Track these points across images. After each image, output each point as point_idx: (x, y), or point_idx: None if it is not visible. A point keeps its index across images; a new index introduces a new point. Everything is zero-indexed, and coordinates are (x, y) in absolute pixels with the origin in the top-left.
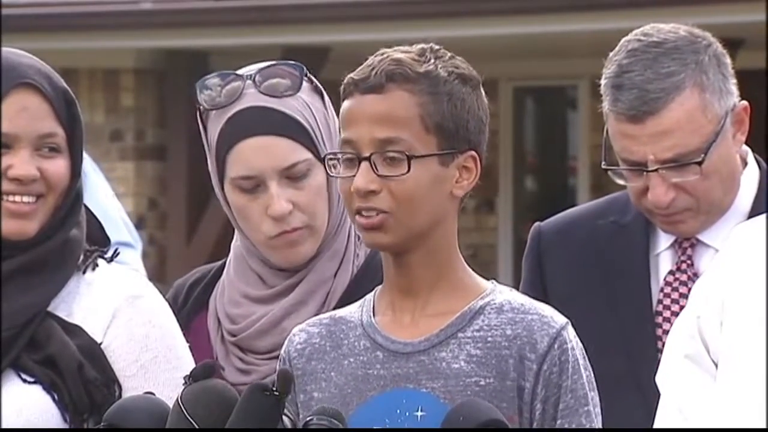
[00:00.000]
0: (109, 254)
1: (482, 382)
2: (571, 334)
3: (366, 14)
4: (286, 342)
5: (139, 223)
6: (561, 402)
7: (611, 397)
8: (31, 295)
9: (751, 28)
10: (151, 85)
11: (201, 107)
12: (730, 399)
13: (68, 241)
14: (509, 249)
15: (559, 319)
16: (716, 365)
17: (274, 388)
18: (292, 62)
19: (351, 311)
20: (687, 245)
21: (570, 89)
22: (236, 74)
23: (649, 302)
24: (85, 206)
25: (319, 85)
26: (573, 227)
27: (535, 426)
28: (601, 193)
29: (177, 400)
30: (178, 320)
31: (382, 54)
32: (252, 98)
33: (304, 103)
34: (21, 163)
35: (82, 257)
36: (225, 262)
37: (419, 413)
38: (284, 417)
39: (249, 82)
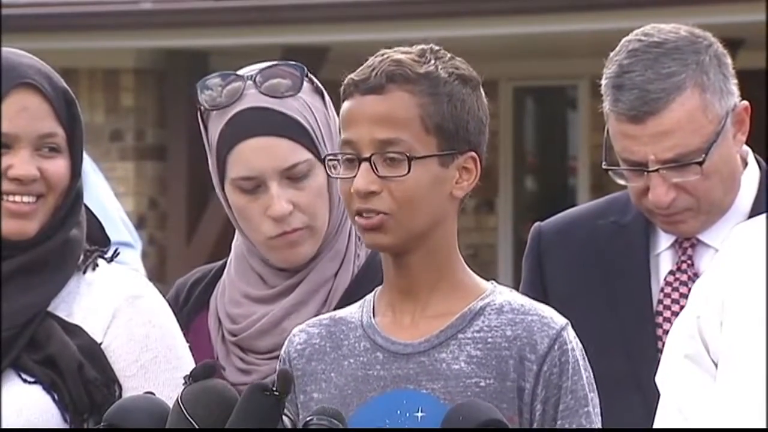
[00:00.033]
0: (109, 254)
1: (482, 383)
2: (571, 334)
3: (366, 14)
4: (286, 342)
5: (139, 223)
6: (561, 403)
7: (611, 397)
8: (31, 295)
9: (751, 28)
10: (151, 85)
11: (201, 107)
12: (730, 399)
13: (68, 241)
14: (509, 249)
15: (559, 320)
16: (716, 365)
17: (274, 388)
18: (293, 63)
19: (351, 312)
20: (687, 245)
21: (570, 89)
22: (237, 75)
23: (649, 302)
24: (86, 206)
25: (320, 85)
26: (573, 227)
27: (535, 427)
28: (601, 193)
29: (177, 400)
30: (178, 320)
31: (383, 55)
32: (252, 99)
33: (305, 104)
34: (21, 163)
35: (82, 257)
36: (226, 262)
37: (419, 414)
38: (284, 417)
39: (250, 82)
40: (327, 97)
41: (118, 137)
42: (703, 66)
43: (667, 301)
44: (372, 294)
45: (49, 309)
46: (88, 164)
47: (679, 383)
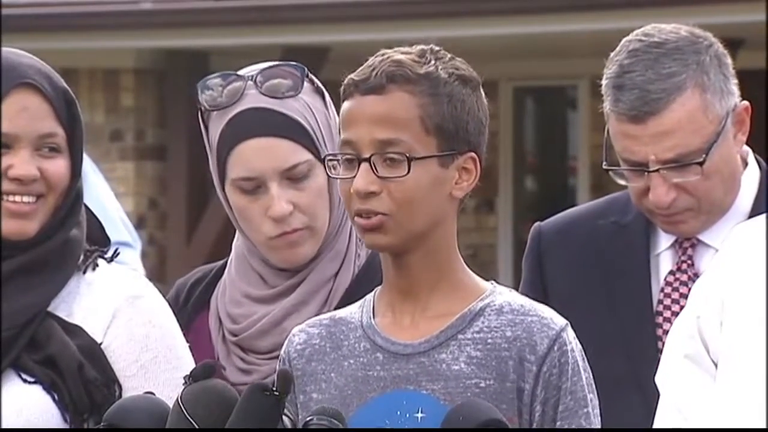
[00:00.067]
0: (109, 254)
1: (482, 384)
2: (570, 335)
3: (366, 14)
4: (285, 342)
5: (139, 223)
6: (560, 404)
7: (611, 398)
8: (32, 295)
9: (751, 28)
10: (151, 85)
11: (202, 107)
12: (730, 399)
13: (68, 241)
14: (509, 249)
15: (559, 320)
16: (716, 365)
17: (274, 388)
18: (294, 63)
19: (351, 312)
20: (687, 245)
21: (570, 89)
22: (237, 75)
23: (649, 302)
24: (86, 206)
25: (321, 85)
26: (573, 227)
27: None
28: (601, 193)
29: (177, 400)
30: (179, 320)
31: (383, 55)
32: (253, 99)
33: (305, 104)
34: (21, 163)
35: (82, 257)
36: (226, 262)
37: (419, 415)
38: (284, 417)
39: (250, 82)
40: (328, 98)
41: (118, 137)
42: (703, 66)
43: (667, 301)
44: (372, 294)
45: (49, 309)
46: (87, 164)
47: (679, 383)
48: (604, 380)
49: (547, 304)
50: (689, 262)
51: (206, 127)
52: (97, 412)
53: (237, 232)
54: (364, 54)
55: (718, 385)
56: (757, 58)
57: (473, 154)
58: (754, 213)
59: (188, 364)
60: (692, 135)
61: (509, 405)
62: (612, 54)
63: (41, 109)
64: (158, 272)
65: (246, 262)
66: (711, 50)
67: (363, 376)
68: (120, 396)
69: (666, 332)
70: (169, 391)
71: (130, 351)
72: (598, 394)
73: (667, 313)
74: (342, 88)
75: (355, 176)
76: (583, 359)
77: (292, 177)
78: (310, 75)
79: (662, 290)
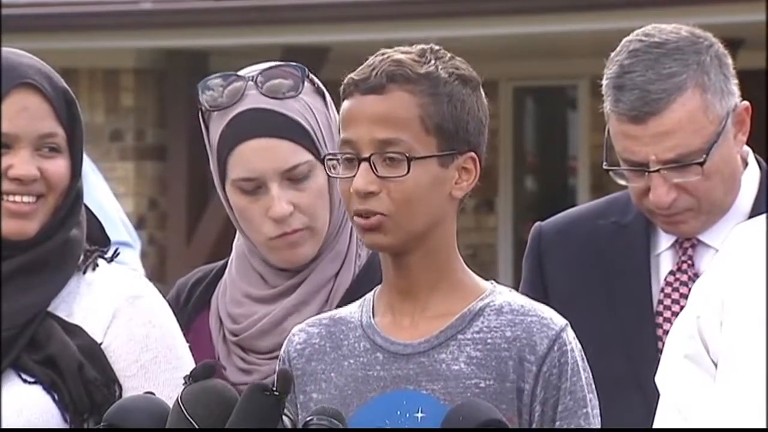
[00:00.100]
0: (109, 254)
1: (482, 384)
2: (570, 335)
3: (366, 14)
4: (285, 342)
5: (139, 223)
6: (560, 404)
7: (611, 398)
8: (32, 295)
9: (751, 28)
10: (151, 85)
11: (203, 108)
12: (730, 399)
13: (68, 241)
14: (509, 249)
15: (559, 320)
16: (716, 365)
17: (274, 388)
18: (294, 63)
19: (350, 311)
20: (688, 245)
21: (570, 89)
22: (238, 75)
23: (649, 302)
24: (86, 206)
25: (321, 86)
26: (573, 227)
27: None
28: (601, 193)
29: (177, 400)
30: (179, 320)
31: (383, 54)
32: (253, 100)
33: (306, 105)
34: (21, 163)
35: (82, 257)
36: (227, 262)
37: (419, 414)
38: (284, 417)
39: (251, 83)
40: (328, 98)
41: (118, 137)
42: (704, 66)
43: (668, 302)
44: (371, 294)
45: (49, 309)
46: (87, 164)
47: (679, 383)
48: (604, 380)
49: (547, 304)
50: (689, 262)
51: (206, 128)
52: (97, 412)
53: (237, 232)
54: (364, 54)
55: (718, 385)
56: (757, 58)
57: (473, 154)
58: (754, 213)
59: (188, 364)
60: (693, 135)
61: (509, 405)
62: (612, 54)
63: (41, 109)
64: (158, 272)
65: (246, 262)
66: (711, 50)
67: (363, 376)
68: (120, 396)
69: (666, 332)
70: (169, 391)
71: (130, 351)
72: (598, 394)
73: (667, 313)
74: (342, 87)
75: (354, 176)
76: (583, 359)
77: (293, 177)
78: (311, 75)
79: (662, 290)
